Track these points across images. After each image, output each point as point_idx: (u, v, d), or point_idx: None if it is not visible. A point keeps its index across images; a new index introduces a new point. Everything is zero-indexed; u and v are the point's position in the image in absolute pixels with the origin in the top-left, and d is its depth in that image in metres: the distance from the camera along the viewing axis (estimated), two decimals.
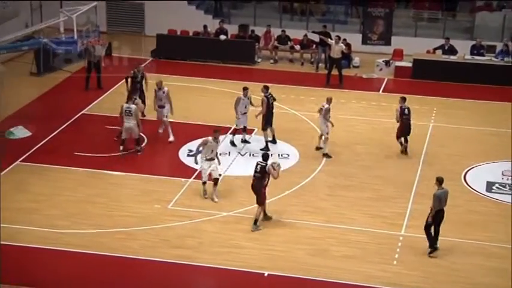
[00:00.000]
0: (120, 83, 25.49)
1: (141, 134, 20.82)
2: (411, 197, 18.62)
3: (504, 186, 19.30)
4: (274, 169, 16.79)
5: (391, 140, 21.79)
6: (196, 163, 18.38)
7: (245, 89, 20.97)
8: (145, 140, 21.17)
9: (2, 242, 16.05)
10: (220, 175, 18.34)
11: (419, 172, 19.95)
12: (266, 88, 20.86)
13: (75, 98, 24.52)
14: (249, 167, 18.16)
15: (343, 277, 15.38)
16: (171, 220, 17.33)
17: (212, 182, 17.93)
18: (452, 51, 27.46)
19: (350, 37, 28.45)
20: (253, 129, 21.95)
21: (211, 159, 17.72)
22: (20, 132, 21.69)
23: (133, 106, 20.15)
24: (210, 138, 17.76)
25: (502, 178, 19.68)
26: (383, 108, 24.19)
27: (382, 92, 26.02)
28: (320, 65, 27.82)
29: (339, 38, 26.52)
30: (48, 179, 19.16)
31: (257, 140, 21.33)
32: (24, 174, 19.42)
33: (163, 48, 28.76)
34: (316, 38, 28.11)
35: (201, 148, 17.95)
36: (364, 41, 28.63)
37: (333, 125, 20.55)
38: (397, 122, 20.84)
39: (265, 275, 15.44)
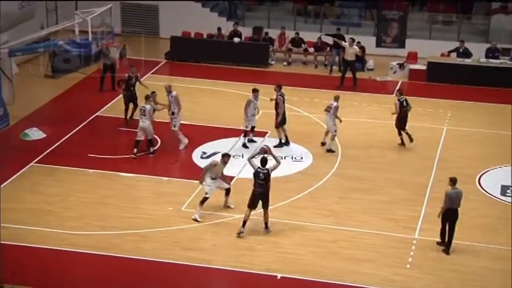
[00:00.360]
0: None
1: (155, 136, 20.85)
2: (425, 201, 18.54)
3: None
4: (276, 159, 16.71)
5: (405, 143, 21.75)
6: (202, 183, 17.77)
7: (255, 90, 21.01)
8: (159, 143, 21.20)
9: (15, 243, 16.23)
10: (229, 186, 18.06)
11: (434, 175, 19.86)
12: (279, 87, 20.96)
13: (90, 99, 24.62)
14: None
15: (356, 280, 15.32)
16: (184, 222, 17.33)
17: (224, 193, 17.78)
18: (467, 54, 27.34)
19: (364, 40, 28.40)
20: (267, 132, 21.96)
21: (215, 178, 17.58)
22: (35, 134, 21.81)
23: (147, 106, 20.24)
24: (219, 161, 17.57)
25: None
26: None
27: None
28: (334, 67, 27.79)
29: (353, 40, 26.48)
30: (61, 181, 19.24)
31: (268, 142, 21.37)
32: (38, 175, 19.51)
33: (177, 50, 28.82)
34: (330, 40, 28.09)
35: (208, 170, 17.49)
36: (378, 44, 28.57)
37: (340, 121, 20.87)
38: (394, 114, 21.28)
39: (278, 277, 15.41)
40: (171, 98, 20.81)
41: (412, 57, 28.13)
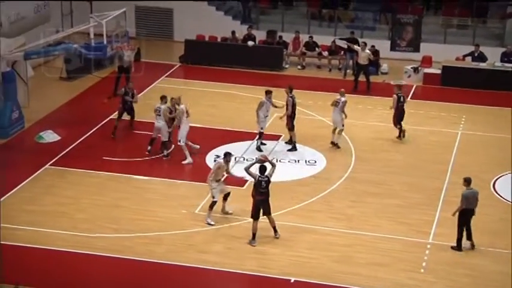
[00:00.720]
0: (148, 88, 25.70)
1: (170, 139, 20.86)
2: (439, 205, 18.45)
3: None
4: (272, 165, 16.66)
5: (419, 147, 21.71)
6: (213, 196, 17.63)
7: (268, 92, 21.01)
8: (173, 146, 21.21)
9: (28, 245, 16.31)
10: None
11: (448, 179, 19.77)
12: (290, 89, 21.03)
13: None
14: (275, 173, 18.17)
15: (369, 284, 15.27)
16: (198, 225, 17.34)
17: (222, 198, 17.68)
18: (482, 58, 27.20)
19: (378, 44, 28.33)
20: (280, 135, 21.95)
21: (219, 180, 17.57)
22: (49, 136, 21.90)
23: (162, 106, 20.42)
24: (222, 161, 17.57)
25: None
26: (411, 115, 23.98)
27: (411, 98, 25.80)
28: (348, 71, 27.75)
29: (365, 44, 26.48)
30: (75, 183, 19.31)
31: (280, 145, 21.43)
32: (52, 177, 19.59)
33: (192, 53, 28.86)
34: (344, 44, 28.03)
35: (214, 174, 17.46)
36: (393, 48, 28.48)
37: (346, 116, 21.23)
38: (392, 108, 21.72)
39: (292, 281, 15.38)
40: (177, 111, 20.38)
41: (427, 61, 28.03)
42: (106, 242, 16.60)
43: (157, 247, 16.43)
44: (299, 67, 28.71)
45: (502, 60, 27.10)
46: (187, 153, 20.44)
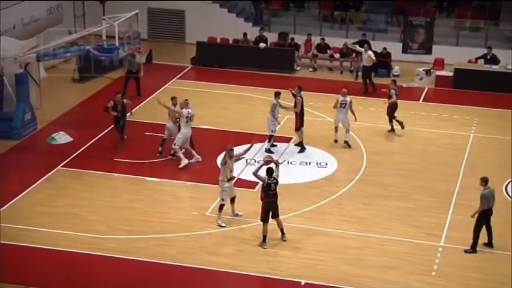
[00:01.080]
0: (159, 90, 25.76)
1: None
2: (451, 208, 18.41)
3: None
4: (277, 165, 16.68)
5: (431, 150, 21.65)
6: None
7: (277, 93, 21.07)
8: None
9: (41, 246, 16.39)
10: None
11: (460, 182, 19.73)
12: (300, 89, 21.04)
13: None
14: (286, 175, 18.22)
15: (380, 287, 15.25)
16: (209, 227, 17.38)
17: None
18: (494, 60, 27.12)
19: (390, 46, 28.30)
20: (291, 137, 21.97)
21: (232, 178, 17.53)
22: (62, 137, 22.00)
23: (171, 108, 20.50)
24: (226, 158, 17.49)
25: None
26: (423, 118, 24.00)
27: (422, 101, 25.81)
28: (359, 73, 27.70)
29: (369, 46, 26.49)
30: (88, 184, 19.39)
31: (291, 148, 21.45)
32: (65, 179, 19.68)
33: (203, 55, 28.91)
34: (356, 46, 27.99)
35: (223, 173, 17.47)
36: (405, 50, 28.45)
37: (355, 117, 21.54)
38: (386, 103, 22.29)
39: (302, 283, 15.39)
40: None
41: (439, 63, 27.96)
42: (119, 243, 16.67)
43: (169, 249, 16.48)
44: (311, 69, 28.71)
45: None
46: (181, 155, 20.25)
